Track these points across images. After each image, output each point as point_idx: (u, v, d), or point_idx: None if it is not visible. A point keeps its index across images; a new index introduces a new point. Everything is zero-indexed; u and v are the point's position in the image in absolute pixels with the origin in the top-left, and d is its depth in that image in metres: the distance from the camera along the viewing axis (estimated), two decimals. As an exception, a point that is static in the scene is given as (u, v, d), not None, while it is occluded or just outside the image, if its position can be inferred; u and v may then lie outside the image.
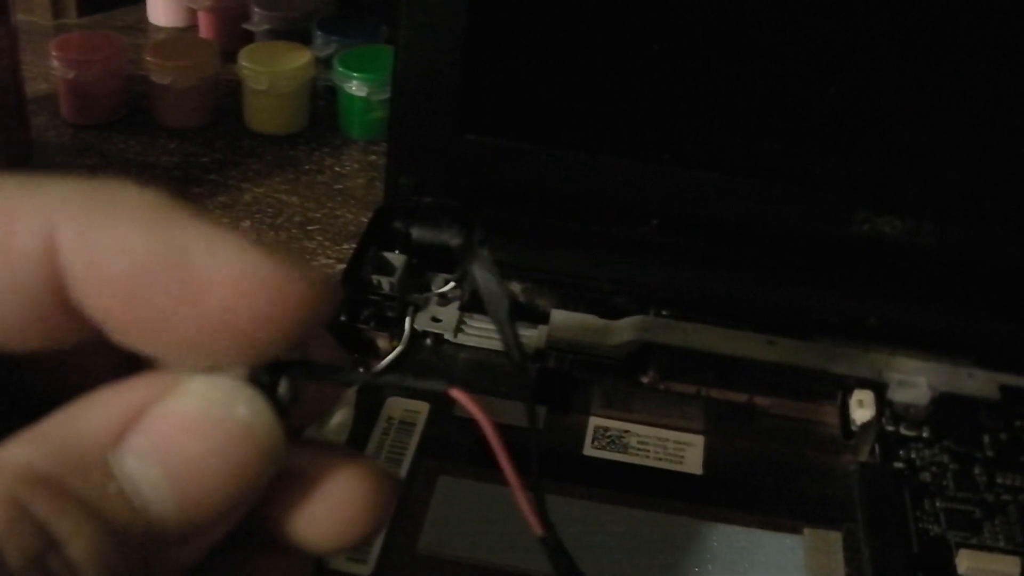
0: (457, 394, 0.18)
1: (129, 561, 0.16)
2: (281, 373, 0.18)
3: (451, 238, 0.19)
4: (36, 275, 0.17)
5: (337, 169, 0.61)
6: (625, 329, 0.44)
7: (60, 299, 0.17)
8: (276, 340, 0.17)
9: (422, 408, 0.41)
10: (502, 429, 0.19)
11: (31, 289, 0.17)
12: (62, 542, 0.15)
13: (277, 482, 0.18)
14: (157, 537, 0.17)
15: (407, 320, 0.44)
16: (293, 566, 0.20)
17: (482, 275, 0.19)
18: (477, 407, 0.18)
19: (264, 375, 0.18)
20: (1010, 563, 0.37)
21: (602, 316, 0.45)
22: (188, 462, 0.17)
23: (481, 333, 0.44)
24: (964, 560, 0.37)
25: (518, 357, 0.19)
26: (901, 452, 0.42)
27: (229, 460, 0.17)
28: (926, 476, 0.41)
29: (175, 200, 0.17)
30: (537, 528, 0.20)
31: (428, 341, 0.44)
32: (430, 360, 0.44)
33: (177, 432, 0.17)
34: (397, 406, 0.41)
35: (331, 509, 0.19)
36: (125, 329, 0.17)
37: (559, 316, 0.45)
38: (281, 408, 0.18)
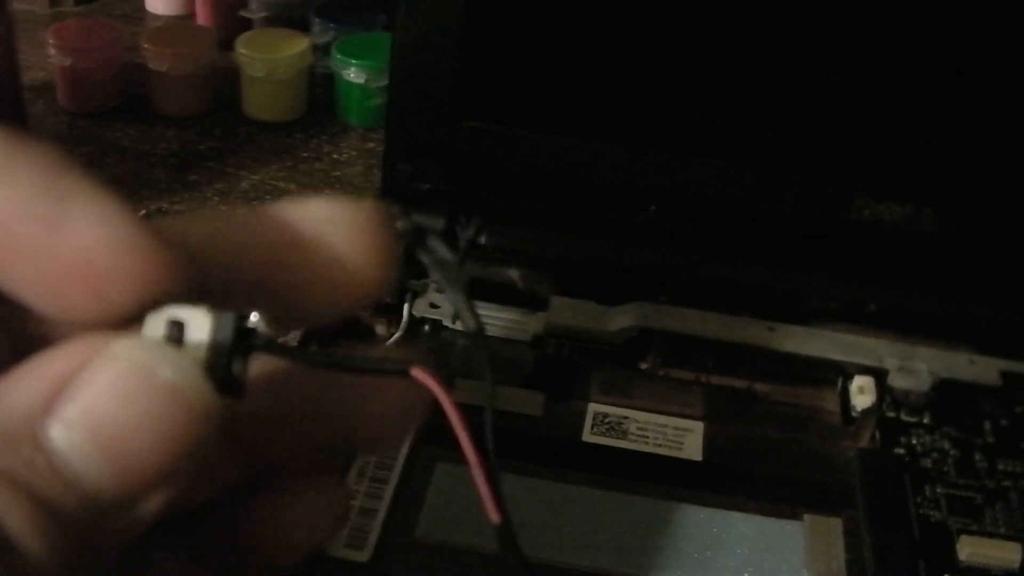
0: (419, 375, 0.18)
1: (70, 533, 0.16)
2: (239, 346, 0.17)
3: (396, 222, 0.19)
4: None
5: (335, 156, 0.60)
6: (624, 315, 0.44)
7: None
8: (122, 296, 0.17)
9: (420, 394, 0.40)
10: (502, 416, 0.18)
11: None
12: None
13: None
14: (95, 507, 0.16)
15: (405, 306, 0.44)
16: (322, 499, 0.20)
17: (436, 249, 0.18)
18: (440, 389, 0.18)
19: (221, 352, 0.17)
20: (1011, 549, 0.37)
21: (601, 302, 0.45)
22: (116, 428, 0.16)
23: (480, 319, 0.44)
24: (965, 546, 0.37)
25: (474, 326, 0.19)
26: (902, 438, 0.41)
27: (158, 424, 0.16)
28: (927, 462, 0.41)
29: (71, 161, 0.18)
30: (493, 514, 0.19)
31: (426, 327, 0.44)
32: (429, 346, 0.44)
33: (102, 398, 0.16)
34: (395, 393, 0.40)
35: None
36: (3, 270, 0.18)
37: (558, 302, 0.45)
38: (236, 382, 0.17)
